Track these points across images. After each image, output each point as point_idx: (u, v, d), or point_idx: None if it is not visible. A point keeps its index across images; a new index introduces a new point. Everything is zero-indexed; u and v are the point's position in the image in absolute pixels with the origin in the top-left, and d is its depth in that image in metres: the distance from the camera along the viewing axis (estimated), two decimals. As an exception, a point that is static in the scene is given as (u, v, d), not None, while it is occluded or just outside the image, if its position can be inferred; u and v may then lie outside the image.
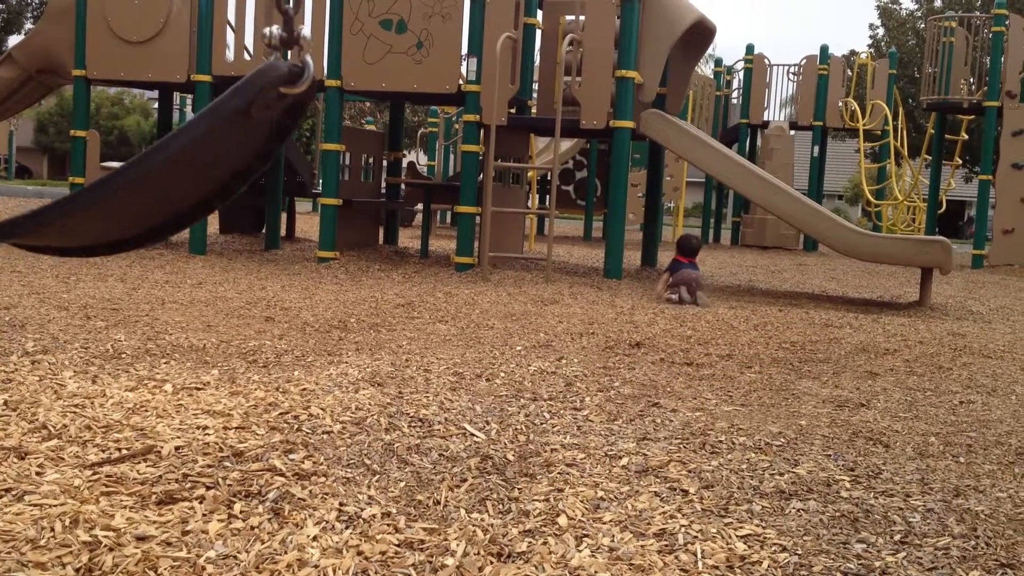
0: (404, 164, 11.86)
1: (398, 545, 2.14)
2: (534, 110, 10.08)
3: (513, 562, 2.09)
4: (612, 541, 2.22)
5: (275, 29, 1.77)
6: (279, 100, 1.76)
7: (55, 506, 2.23)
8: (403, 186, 11.80)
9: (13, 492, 2.32)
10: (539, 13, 9.74)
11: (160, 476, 2.49)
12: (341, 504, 2.36)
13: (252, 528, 2.19)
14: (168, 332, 4.68)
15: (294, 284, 7.24)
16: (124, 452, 2.68)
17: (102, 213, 1.75)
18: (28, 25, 29.58)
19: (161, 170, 1.67)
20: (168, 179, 1.72)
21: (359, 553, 2.08)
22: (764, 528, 2.35)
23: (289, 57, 1.82)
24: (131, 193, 1.70)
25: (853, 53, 26.35)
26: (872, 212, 20.03)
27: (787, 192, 8.79)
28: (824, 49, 18.42)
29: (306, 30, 1.76)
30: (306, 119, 29.51)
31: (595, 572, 2.05)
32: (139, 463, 2.59)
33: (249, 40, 9.28)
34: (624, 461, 2.86)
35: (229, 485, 2.44)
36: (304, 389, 3.55)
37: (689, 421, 3.42)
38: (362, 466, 2.68)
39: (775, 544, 2.25)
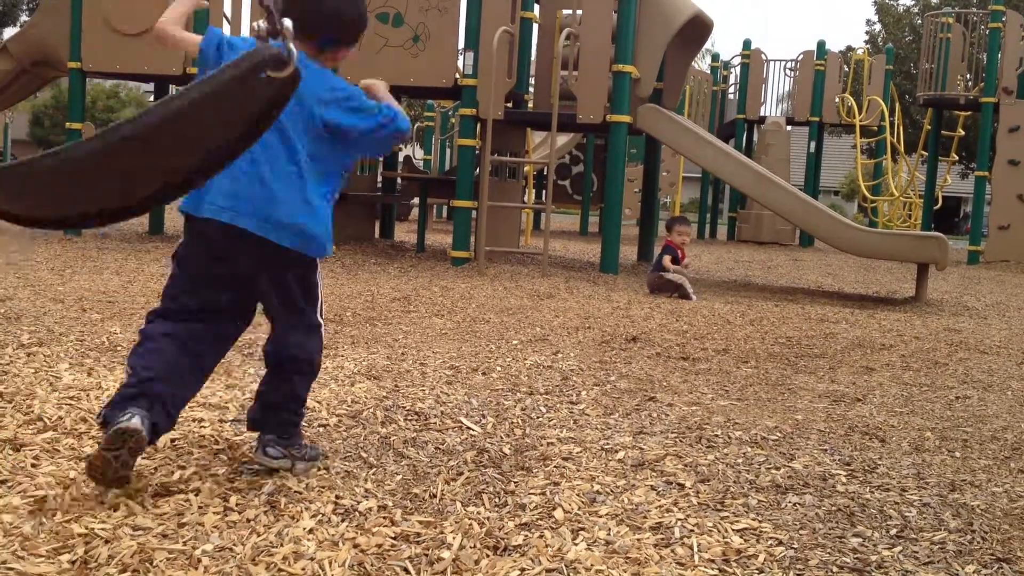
0: (400, 158, 11.84)
1: (394, 538, 2.13)
2: (531, 104, 10.08)
3: (509, 555, 2.09)
4: (608, 535, 2.22)
5: (261, 23, 1.98)
6: (267, 84, 1.93)
7: (50, 498, 2.22)
8: (399, 180, 11.78)
9: (8, 484, 2.31)
10: (536, 7, 9.73)
11: (156, 468, 2.48)
12: (337, 497, 2.36)
13: (248, 521, 2.18)
14: (164, 325, 4.66)
15: (290, 278, 7.22)
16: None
17: (82, 174, 1.84)
18: (24, 17, 29.50)
19: (153, 133, 1.82)
20: (157, 144, 1.85)
21: (355, 546, 2.08)
22: (760, 522, 2.35)
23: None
24: (115, 155, 1.83)
25: (850, 49, 26.38)
26: (868, 208, 20.06)
27: (783, 188, 8.79)
28: (821, 45, 18.42)
29: (288, 21, 1.94)
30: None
31: (591, 565, 2.05)
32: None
33: (245, 33, 9.26)
34: (620, 455, 2.86)
35: (225, 478, 2.44)
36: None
37: (685, 415, 3.42)
38: (358, 459, 2.68)
39: (771, 538, 2.26)
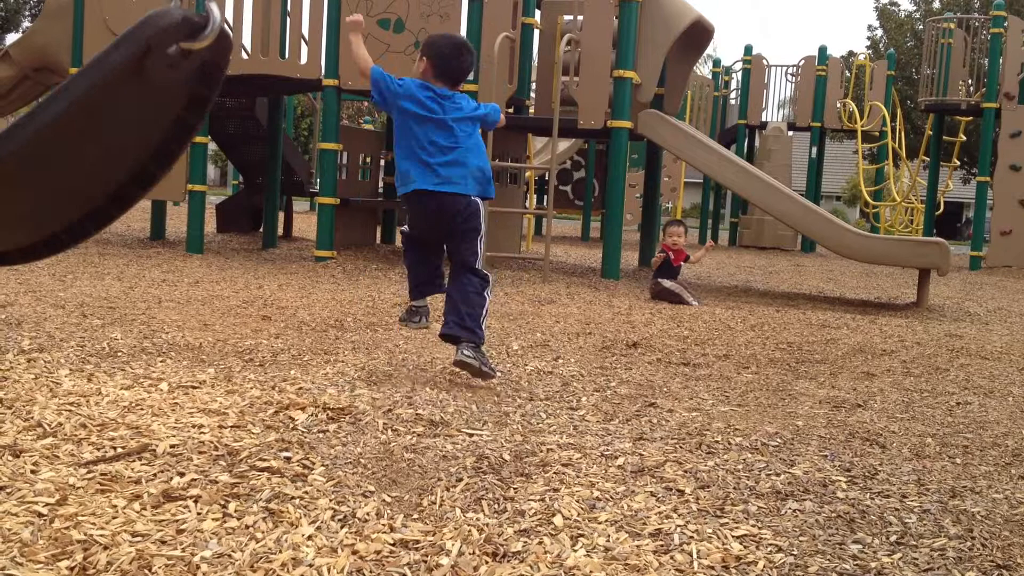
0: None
1: (393, 544, 2.13)
2: (532, 110, 10.08)
3: (508, 562, 2.09)
4: (608, 541, 2.22)
5: None
6: (184, 59, 1.45)
7: (50, 504, 2.22)
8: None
9: (7, 490, 2.31)
10: (537, 13, 9.73)
11: (155, 475, 2.48)
12: (337, 503, 2.36)
13: (247, 527, 2.18)
14: (164, 330, 4.67)
15: (291, 283, 7.23)
16: (119, 450, 2.67)
17: None
18: (26, 23, 29.58)
19: (40, 143, 1.38)
20: (54, 157, 1.43)
21: (354, 552, 2.07)
22: (760, 528, 2.35)
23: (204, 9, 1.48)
24: (11, 176, 1.41)
25: (851, 54, 26.41)
26: (870, 213, 20.04)
27: (785, 193, 8.79)
28: (822, 50, 18.42)
29: None
30: (304, 118, 29.47)
31: (590, 572, 2.04)
32: (134, 461, 2.58)
33: (247, 39, 9.27)
34: (620, 461, 2.86)
35: (224, 484, 2.44)
36: (300, 388, 3.54)
37: (685, 421, 3.42)
38: (358, 465, 2.68)
39: (771, 544, 2.25)
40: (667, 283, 7.50)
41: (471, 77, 8.75)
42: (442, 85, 3.96)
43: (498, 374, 3.93)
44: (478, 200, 3.98)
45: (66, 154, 1.44)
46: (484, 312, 3.94)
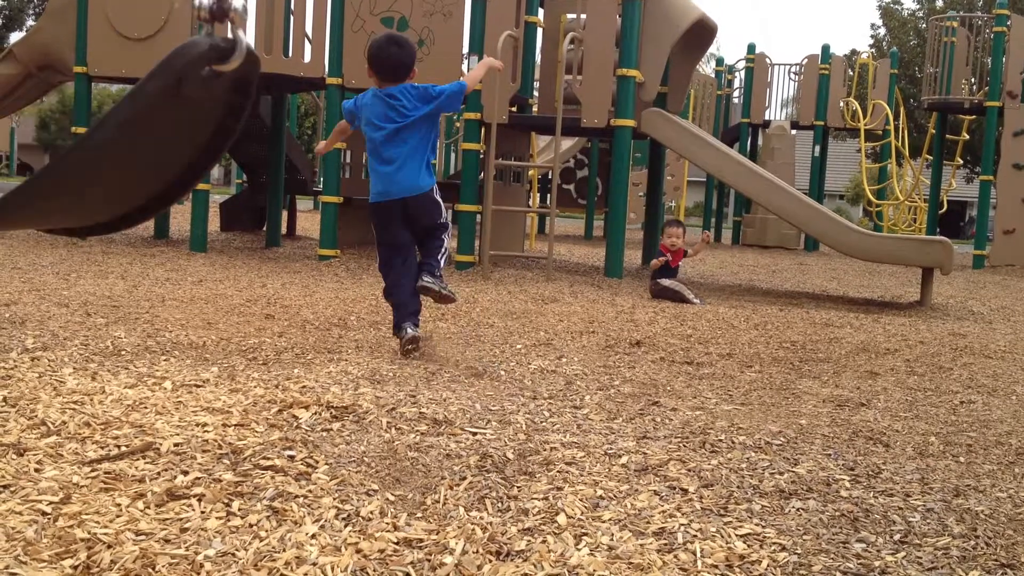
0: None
1: (397, 543, 2.13)
2: (535, 108, 10.08)
3: (512, 560, 2.09)
4: (611, 540, 2.22)
5: (205, 0, 1.68)
6: (216, 78, 1.63)
7: (53, 503, 2.23)
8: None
9: (11, 489, 2.31)
10: (540, 11, 9.73)
11: (159, 473, 2.48)
12: (340, 502, 2.36)
13: (251, 526, 2.18)
14: (168, 329, 4.67)
15: (294, 282, 7.24)
16: (123, 449, 2.67)
17: (67, 197, 1.80)
18: (30, 22, 29.62)
19: (102, 155, 1.59)
20: (116, 162, 1.63)
21: (358, 551, 2.08)
22: (764, 527, 2.35)
23: (228, 32, 1.63)
24: (85, 178, 1.64)
25: (854, 53, 26.34)
26: (873, 212, 20.04)
27: (788, 192, 8.79)
28: (825, 49, 18.41)
29: (238, 2, 1.67)
30: (308, 117, 29.49)
31: (594, 571, 2.04)
32: (138, 460, 2.58)
33: (251, 37, 9.27)
34: (624, 460, 2.86)
35: (228, 483, 2.44)
36: (304, 387, 3.54)
37: (689, 420, 3.42)
38: (362, 463, 2.68)
39: (774, 543, 2.25)
40: (666, 281, 7.50)
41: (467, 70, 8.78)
42: (384, 84, 4.30)
43: (458, 297, 4.61)
44: (430, 188, 4.45)
45: (131, 153, 1.69)
46: (442, 251, 4.49)
